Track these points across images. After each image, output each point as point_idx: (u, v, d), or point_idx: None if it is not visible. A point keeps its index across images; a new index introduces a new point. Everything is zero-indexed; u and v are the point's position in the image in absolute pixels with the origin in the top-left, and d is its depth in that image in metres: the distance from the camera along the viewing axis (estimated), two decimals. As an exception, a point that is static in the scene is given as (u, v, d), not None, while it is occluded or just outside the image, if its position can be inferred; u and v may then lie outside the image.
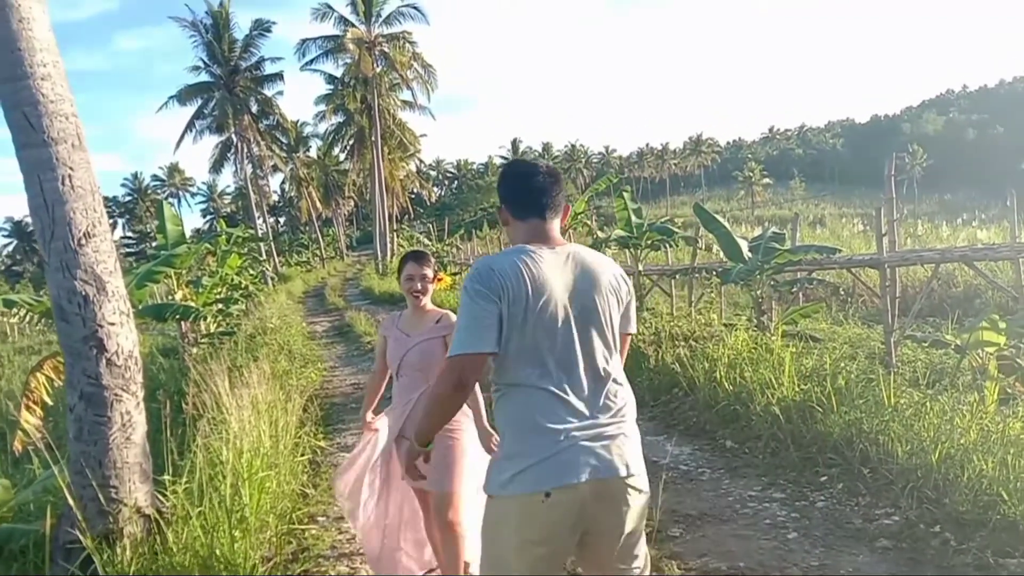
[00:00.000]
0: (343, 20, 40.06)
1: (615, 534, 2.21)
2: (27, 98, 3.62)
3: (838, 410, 5.42)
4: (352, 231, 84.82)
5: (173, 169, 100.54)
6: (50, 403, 7.08)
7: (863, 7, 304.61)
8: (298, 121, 56.75)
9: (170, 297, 11.81)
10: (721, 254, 10.53)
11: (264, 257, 34.27)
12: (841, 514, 4.47)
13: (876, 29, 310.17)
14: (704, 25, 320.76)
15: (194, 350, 10.55)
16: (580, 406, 2.16)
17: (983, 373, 5.93)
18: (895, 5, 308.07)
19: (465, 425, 3.58)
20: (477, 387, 3.51)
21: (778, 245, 8.89)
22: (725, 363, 6.84)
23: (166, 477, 3.99)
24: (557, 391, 2.14)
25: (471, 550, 3.55)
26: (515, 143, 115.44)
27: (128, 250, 78.65)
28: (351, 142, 48.21)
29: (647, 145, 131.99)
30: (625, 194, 12.51)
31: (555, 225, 2.35)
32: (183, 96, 42.17)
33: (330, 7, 39.60)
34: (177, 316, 9.85)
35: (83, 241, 3.71)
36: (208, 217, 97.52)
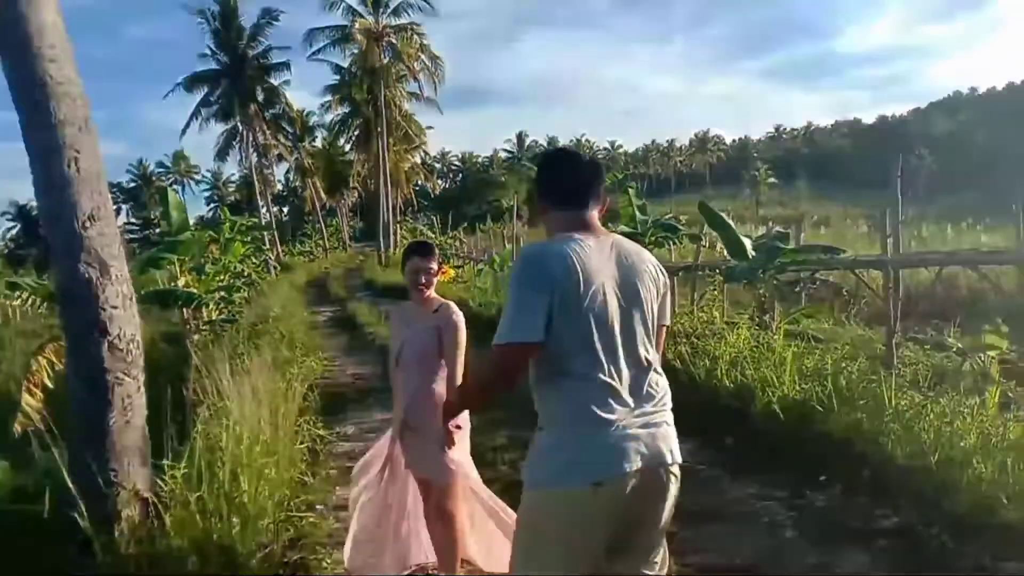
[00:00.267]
0: (351, 10, 40.00)
1: (652, 525, 2.24)
2: (35, 80, 3.62)
3: (839, 410, 5.42)
4: (356, 222, 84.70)
5: (178, 156, 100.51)
6: (51, 386, 7.10)
7: (875, 9, 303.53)
8: (304, 111, 56.77)
9: (173, 284, 11.82)
10: (725, 252, 10.52)
11: (267, 246, 34.32)
12: (840, 514, 4.47)
13: (883, 30, 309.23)
14: (710, 18, 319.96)
15: (196, 337, 10.57)
16: (627, 396, 2.15)
17: (985, 377, 5.92)
18: (907, 7, 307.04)
19: (464, 418, 3.60)
20: (458, 372, 3.55)
21: (782, 244, 8.88)
22: (726, 361, 6.83)
23: (165, 462, 3.99)
24: (607, 380, 2.13)
25: (469, 544, 3.58)
26: (521, 137, 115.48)
27: (131, 236, 78.63)
28: (357, 133, 48.14)
29: (653, 142, 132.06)
30: (630, 190, 12.48)
31: (596, 215, 2.34)
32: (190, 84, 42.22)
33: (338, -4, 39.53)
34: (180, 303, 9.88)
35: (88, 224, 3.72)
36: (212, 205, 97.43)
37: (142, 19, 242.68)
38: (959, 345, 6.45)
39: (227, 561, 3.64)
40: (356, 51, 41.21)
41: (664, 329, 2.41)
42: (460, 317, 3.56)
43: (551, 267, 2.11)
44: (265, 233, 34.10)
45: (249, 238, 17.74)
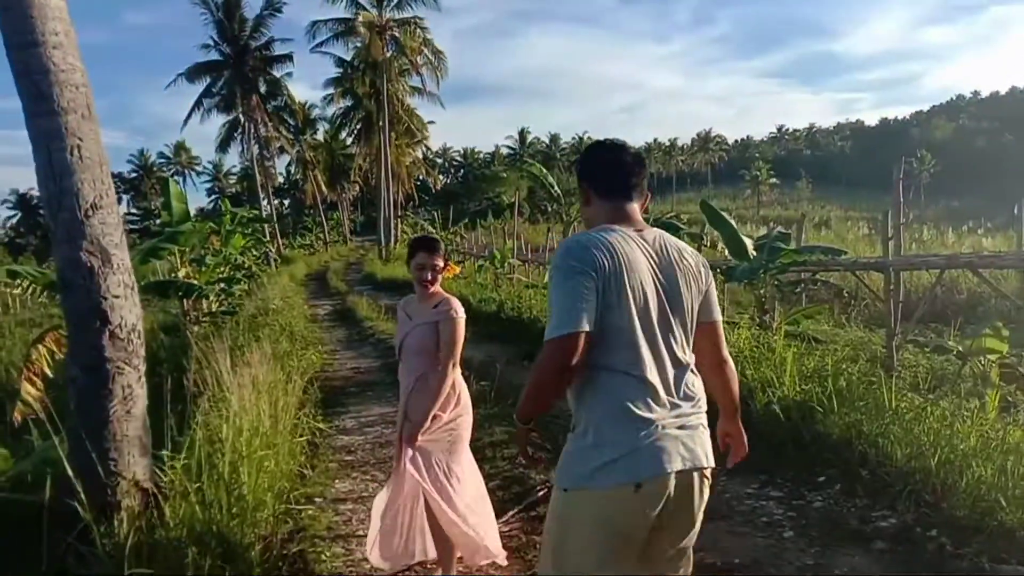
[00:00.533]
0: (355, 3, 39.94)
1: (685, 528, 2.19)
2: (38, 66, 3.60)
3: (838, 411, 5.41)
4: (356, 216, 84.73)
5: (179, 147, 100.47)
6: (51, 375, 7.09)
7: (877, 12, 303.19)
8: (306, 103, 56.75)
9: (173, 274, 11.83)
10: (726, 252, 10.51)
11: (268, 238, 34.27)
12: (838, 515, 4.47)
13: (887, 33, 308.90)
14: (712, 17, 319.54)
15: (195, 328, 10.57)
16: (666, 395, 2.10)
17: (984, 380, 5.92)
18: (909, 11, 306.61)
19: (465, 419, 3.62)
20: (450, 368, 3.56)
21: (783, 245, 8.87)
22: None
23: (165, 452, 3.99)
24: (647, 378, 2.06)
25: (467, 541, 3.57)
26: (523, 133, 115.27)
27: (132, 226, 78.56)
28: (358, 126, 48.13)
29: (655, 140, 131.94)
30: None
31: (638, 208, 2.29)
32: (192, 74, 42.18)
33: (342, -11, 39.43)
34: (180, 293, 9.87)
35: (90, 212, 3.70)
36: (213, 196, 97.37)
37: (142, 5, 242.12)
38: (959, 348, 6.44)
39: (226, 552, 3.64)
40: (359, 44, 41.19)
41: (718, 325, 2.36)
42: (459, 313, 3.57)
43: (594, 255, 2.05)
44: (266, 225, 34.04)
45: (250, 230, 17.73)
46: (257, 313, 12.69)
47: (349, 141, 53.81)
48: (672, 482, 2.05)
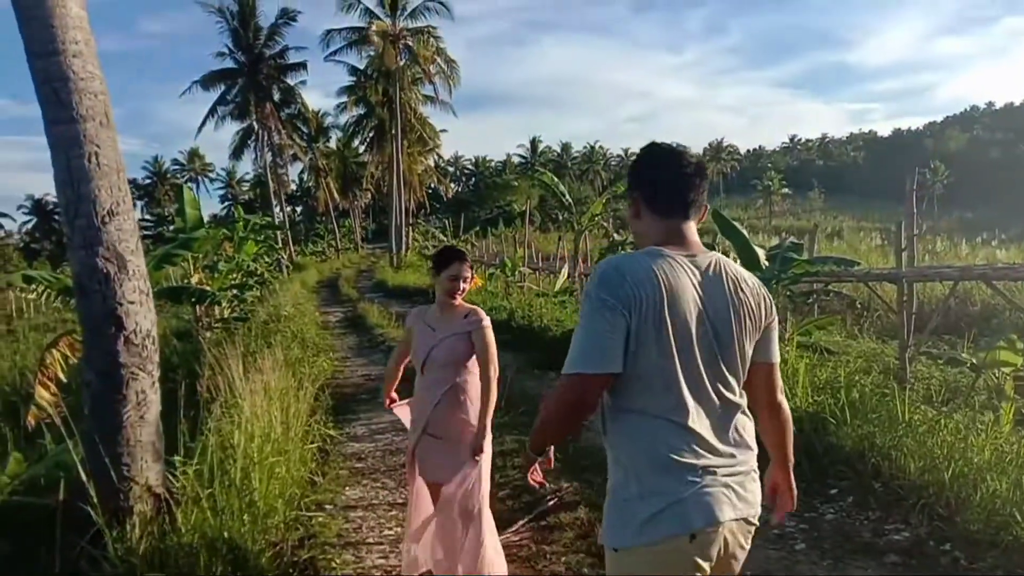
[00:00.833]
0: (369, 12, 40.17)
1: None
2: (58, 74, 3.65)
3: (851, 423, 5.39)
4: (368, 223, 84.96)
5: (193, 154, 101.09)
6: (64, 380, 7.14)
7: (891, 23, 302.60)
8: (319, 111, 57.02)
9: (186, 280, 11.89)
10: (737, 262, 10.48)
11: (280, 245, 34.42)
12: (850, 527, 4.44)
13: (900, 43, 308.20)
14: (725, 27, 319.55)
15: (208, 334, 10.61)
16: (712, 440, 1.90)
17: (999, 393, 5.88)
18: (923, 22, 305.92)
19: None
20: (494, 376, 3.54)
21: (796, 255, 8.83)
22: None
23: (177, 458, 4.01)
24: (688, 423, 1.87)
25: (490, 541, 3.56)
26: (534, 142, 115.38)
27: (146, 232, 79.09)
28: (371, 135, 48.32)
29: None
30: (644, 198, 12.46)
31: (694, 227, 2.03)
32: (206, 82, 42.48)
33: (356, -1, 39.69)
34: (193, 299, 9.92)
35: (107, 219, 3.74)
36: (226, 203, 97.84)
37: (159, 14, 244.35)
38: (973, 360, 6.40)
39: (237, 558, 3.65)
40: (372, 53, 41.38)
41: (775, 368, 2.10)
42: (489, 321, 3.59)
43: (632, 284, 1.82)
44: (278, 232, 34.20)
45: (262, 237, 17.78)
46: (269, 319, 12.74)
47: (361, 149, 54.04)
48: (724, 533, 1.88)
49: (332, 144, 61.66)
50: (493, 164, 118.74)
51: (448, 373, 3.53)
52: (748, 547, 2.02)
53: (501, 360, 3.62)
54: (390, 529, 4.75)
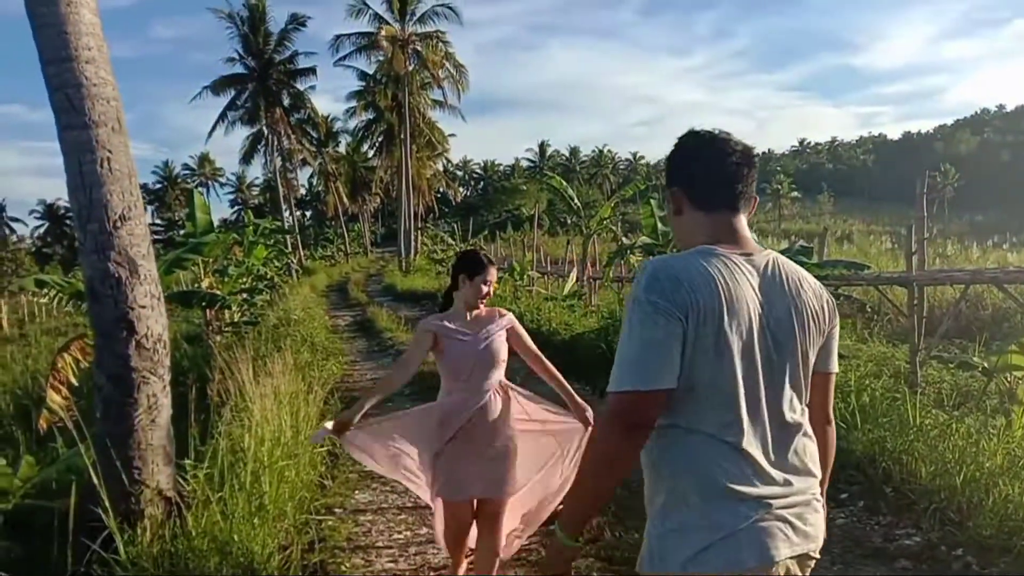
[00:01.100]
0: (378, 17, 40.33)
1: None
2: (71, 80, 3.68)
3: (861, 427, 5.37)
4: (377, 227, 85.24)
5: (203, 159, 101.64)
6: (76, 384, 7.18)
7: (899, 26, 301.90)
8: (329, 116, 57.26)
9: (196, 285, 11.95)
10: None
11: (290, 250, 34.57)
12: (861, 532, 4.43)
13: (910, 46, 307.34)
14: (733, 31, 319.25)
15: (218, 338, 10.66)
16: (768, 465, 1.66)
17: (1011, 397, 5.84)
18: (931, 25, 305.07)
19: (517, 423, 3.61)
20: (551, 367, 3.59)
21: (805, 259, 8.81)
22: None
23: (188, 461, 4.03)
24: (743, 445, 1.64)
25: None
26: (543, 146, 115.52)
27: (156, 237, 79.44)
28: (380, 139, 48.51)
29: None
30: (652, 201, 12.46)
31: (745, 221, 1.81)
32: (216, 87, 42.73)
33: (365, 4, 39.91)
34: (203, 304, 9.96)
35: (118, 224, 3.77)
36: (236, 208, 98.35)
37: (170, 20, 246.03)
38: (984, 364, 6.36)
39: (247, 562, 3.66)
40: (382, 58, 41.53)
41: (832, 378, 1.89)
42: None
43: (687, 289, 1.60)
44: (288, 237, 34.39)
45: (272, 241, 17.91)
46: (279, 323, 12.79)
47: (371, 154, 54.25)
48: (779, 571, 1.66)
49: (341, 149, 61.88)
50: (502, 168, 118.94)
51: (496, 374, 3.52)
52: None
53: (509, 365, 3.62)
54: (399, 533, 4.76)
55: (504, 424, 3.51)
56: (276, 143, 45.40)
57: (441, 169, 59.34)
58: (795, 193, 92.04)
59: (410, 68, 42.07)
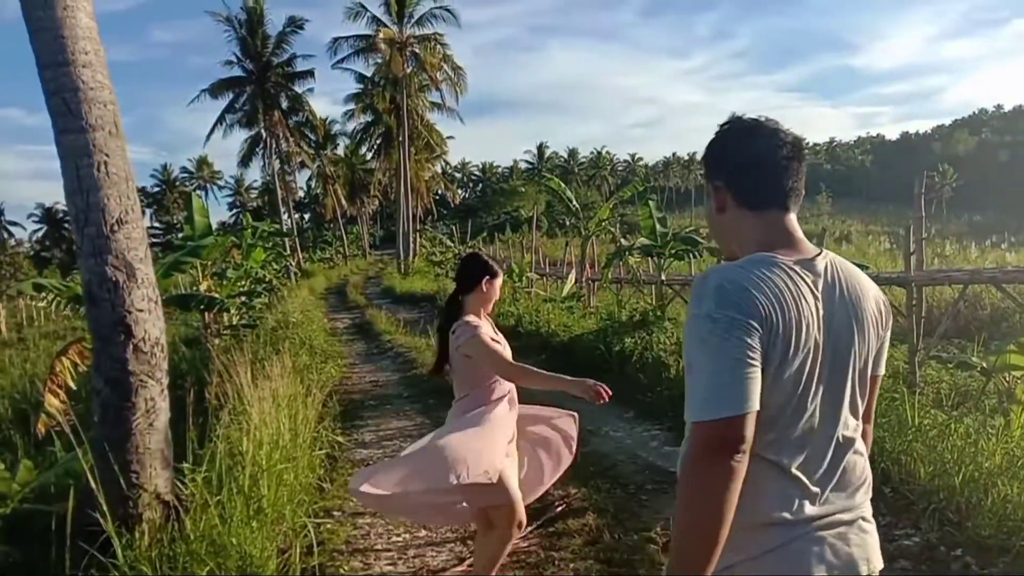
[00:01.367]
0: (375, 20, 40.31)
1: None
2: (68, 84, 3.68)
3: (860, 428, 5.36)
4: (376, 230, 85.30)
5: (202, 162, 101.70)
6: (74, 387, 7.17)
7: (898, 27, 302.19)
8: (327, 119, 57.28)
9: (195, 288, 11.94)
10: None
11: (288, 252, 34.56)
12: (860, 533, 4.42)
13: (908, 46, 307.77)
14: (733, 32, 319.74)
15: (216, 341, 10.65)
16: (812, 484, 1.53)
17: (1009, 397, 5.85)
18: (930, 25, 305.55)
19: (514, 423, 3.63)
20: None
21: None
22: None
23: (186, 465, 4.03)
24: (792, 466, 1.51)
25: None
26: (541, 148, 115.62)
27: (154, 240, 79.53)
28: (378, 141, 48.54)
29: (673, 155, 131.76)
30: (650, 203, 12.47)
31: (795, 220, 1.65)
32: (215, 90, 42.76)
33: (363, 7, 39.88)
34: (201, 307, 9.95)
35: (116, 227, 3.77)
36: (234, 211, 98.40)
37: (168, 23, 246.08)
38: (983, 364, 6.36)
39: (245, 565, 3.66)
40: (380, 60, 41.53)
41: (878, 381, 1.74)
42: None
43: (758, 301, 1.45)
44: (286, 239, 34.38)
45: (270, 244, 17.86)
46: (277, 326, 12.79)
47: (369, 156, 54.29)
48: None
49: (340, 151, 61.94)
50: (500, 170, 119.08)
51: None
52: None
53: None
54: (398, 536, 4.75)
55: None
56: (274, 146, 45.43)
57: (439, 171, 59.36)
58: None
59: (408, 70, 42.07)
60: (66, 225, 74.64)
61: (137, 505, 3.72)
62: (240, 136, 45.96)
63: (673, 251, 12.33)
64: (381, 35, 40.05)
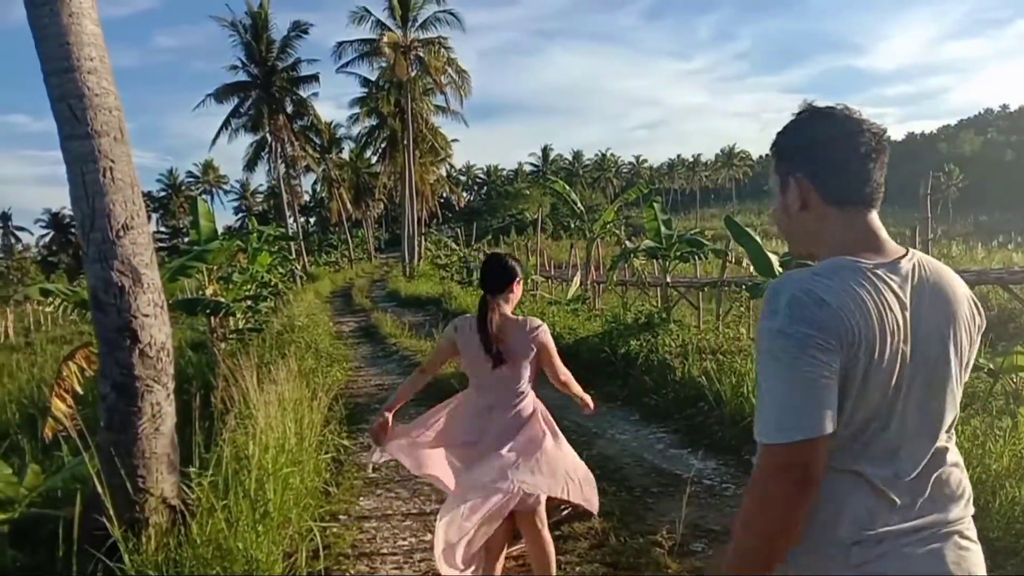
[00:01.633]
0: (380, 24, 40.38)
1: None
2: (73, 91, 3.70)
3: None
4: (381, 233, 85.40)
5: (207, 166, 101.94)
6: (81, 392, 7.19)
7: (901, 27, 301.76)
8: (332, 122, 57.43)
9: (201, 292, 11.96)
10: (751, 268, 10.44)
11: (294, 256, 34.64)
12: (867, 535, 4.40)
13: (912, 47, 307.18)
14: (735, 34, 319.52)
15: (223, 345, 10.67)
16: (901, 498, 1.42)
17: (1017, 398, 5.83)
18: (933, 25, 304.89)
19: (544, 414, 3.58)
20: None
21: (810, 261, 8.79)
22: (752, 378, 6.77)
23: (192, 469, 4.03)
24: (877, 480, 1.41)
25: None
26: (546, 150, 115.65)
27: (161, 245, 79.80)
28: (383, 145, 48.56)
29: (678, 156, 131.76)
30: (655, 205, 12.47)
31: (878, 217, 1.53)
32: (220, 95, 42.89)
33: (367, 11, 39.96)
34: (207, 311, 9.98)
35: (121, 233, 3.78)
36: (240, 215, 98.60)
37: (173, 29, 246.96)
38: (990, 366, 6.33)
39: (252, 569, 3.66)
40: (384, 64, 41.59)
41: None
42: None
43: (838, 315, 1.35)
44: (292, 243, 34.46)
45: (276, 248, 17.91)
46: (283, 330, 12.81)
47: (374, 160, 54.35)
48: None
49: (345, 155, 62.09)
50: (505, 173, 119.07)
51: None
52: None
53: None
54: (404, 539, 4.75)
55: None
56: (279, 150, 45.54)
57: (444, 174, 59.45)
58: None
59: (412, 74, 42.13)
60: (73, 230, 74.92)
61: (143, 509, 3.72)
62: (245, 140, 46.19)
63: (678, 253, 12.33)
64: (385, 39, 40.13)
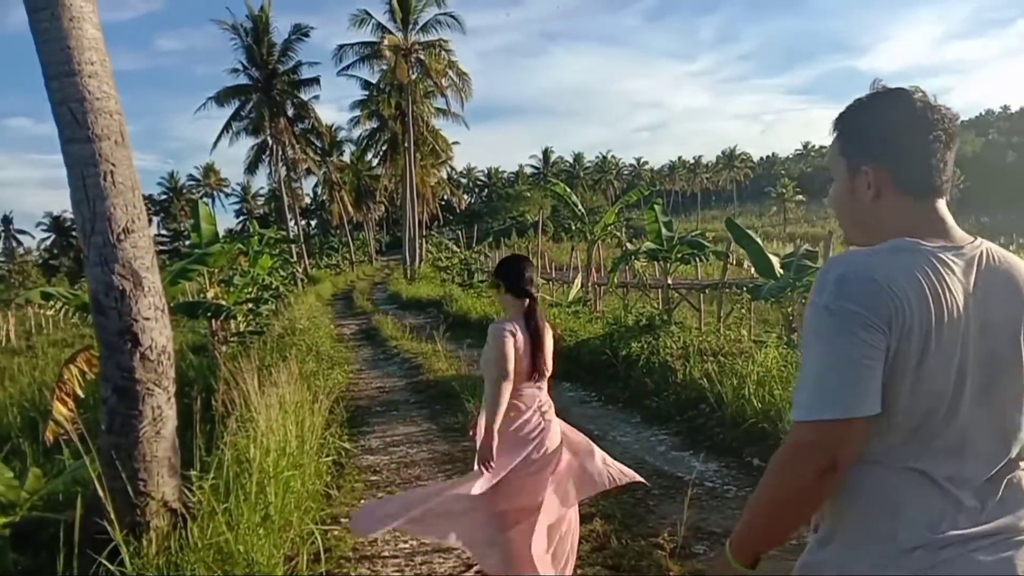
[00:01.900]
0: (380, 27, 40.47)
1: None
2: (74, 95, 3.70)
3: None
4: (382, 236, 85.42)
5: (208, 169, 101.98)
6: (82, 395, 7.20)
7: (904, 28, 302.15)
8: (333, 125, 57.50)
9: (202, 295, 11.98)
10: (752, 270, 10.45)
11: (295, 259, 34.69)
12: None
13: (913, 48, 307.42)
14: (738, 35, 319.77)
15: (224, 348, 10.68)
16: (969, 499, 1.34)
17: None
18: (937, 25, 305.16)
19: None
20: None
21: (810, 263, 8.81)
22: (754, 380, 6.77)
23: (193, 472, 4.03)
24: (942, 479, 1.34)
25: None
26: (547, 152, 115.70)
27: (162, 248, 79.84)
28: (384, 148, 48.64)
29: (679, 158, 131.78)
30: (656, 206, 12.49)
31: (946, 207, 1.48)
32: (221, 98, 42.96)
33: (368, 14, 40.04)
34: (208, 314, 9.99)
35: (122, 236, 3.78)
36: (241, 218, 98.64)
37: (174, 32, 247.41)
38: None
39: (253, 572, 3.66)
40: (385, 67, 41.66)
41: None
42: None
43: (888, 294, 1.29)
44: (293, 246, 34.52)
45: (277, 251, 17.94)
46: (284, 333, 12.81)
47: (375, 162, 54.42)
48: None
49: (346, 158, 62.13)
50: (505, 175, 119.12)
51: None
52: None
53: None
54: (405, 543, 4.74)
55: None
56: (281, 153, 45.62)
57: (445, 177, 59.57)
58: (800, 196, 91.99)
59: (413, 77, 42.19)
60: (74, 234, 75.08)
61: (144, 513, 3.72)
62: (246, 143, 46.21)
63: (679, 255, 12.34)
64: (386, 42, 40.21)
